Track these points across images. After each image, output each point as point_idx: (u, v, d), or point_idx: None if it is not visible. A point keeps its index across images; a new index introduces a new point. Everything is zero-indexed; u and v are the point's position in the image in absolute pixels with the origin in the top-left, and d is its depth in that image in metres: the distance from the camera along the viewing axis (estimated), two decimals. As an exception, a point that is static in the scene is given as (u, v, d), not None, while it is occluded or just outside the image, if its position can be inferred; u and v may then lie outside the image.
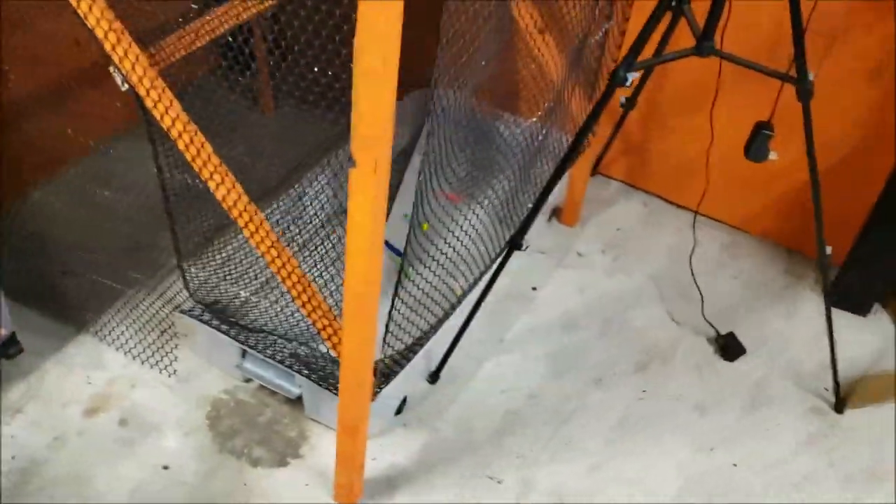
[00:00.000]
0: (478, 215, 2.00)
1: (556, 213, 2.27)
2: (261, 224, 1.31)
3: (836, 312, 2.06)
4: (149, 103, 1.26)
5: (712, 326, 1.99)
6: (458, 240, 1.86)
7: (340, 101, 1.73)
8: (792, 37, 1.47)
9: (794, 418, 1.83)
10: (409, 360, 1.58)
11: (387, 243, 2.05)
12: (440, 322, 1.66)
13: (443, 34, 1.18)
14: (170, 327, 1.78)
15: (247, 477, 1.63)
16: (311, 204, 2.04)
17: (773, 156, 1.63)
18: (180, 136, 1.27)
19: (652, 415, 1.82)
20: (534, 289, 2.09)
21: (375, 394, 1.48)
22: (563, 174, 1.65)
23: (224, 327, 1.67)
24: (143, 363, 1.78)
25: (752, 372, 1.92)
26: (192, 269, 1.66)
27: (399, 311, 1.43)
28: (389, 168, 1.10)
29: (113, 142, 1.85)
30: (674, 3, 1.71)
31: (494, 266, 1.77)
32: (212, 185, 1.30)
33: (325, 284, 1.66)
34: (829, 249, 1.69)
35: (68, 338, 1.83)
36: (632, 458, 1.73)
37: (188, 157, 1.28)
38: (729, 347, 1.95)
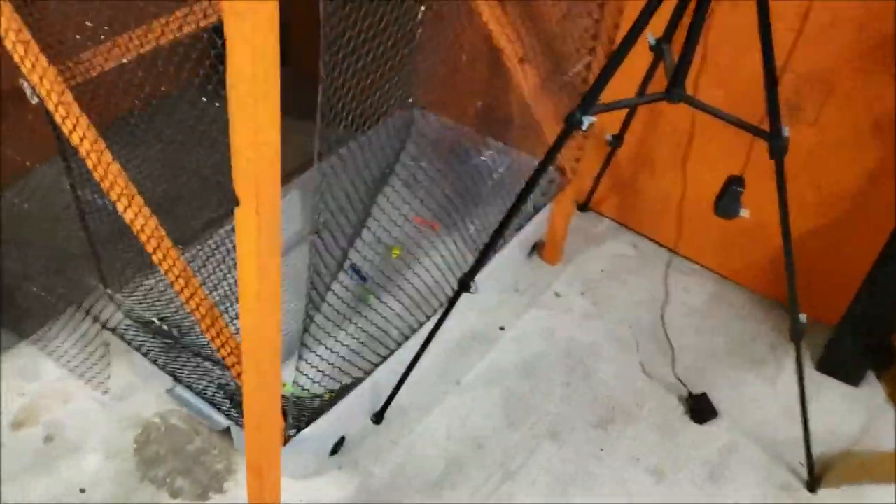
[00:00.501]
0: (456, 244, 1.92)
1: (537, 248, 2.16)
2: (168, 251, 1.24)
3: (825, 380, 1.93)
4: (57, 119, 1.20)
5: (683, 385, 1.87)
6: (426, 270, 1.79)
7: (335, 111, 1.66)
8: (764, 87, 1.35)
9: (760, 493, 1.70)
10: (333, 403, 1.50)
11: (353, 268, 1.98)
12: (374, 366, 1.57)
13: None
14: (106, 344, 1.73)
15: (164, 508, 1.56)
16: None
17: (744, 213, 1.50)
18: (88, 154, 1.20)
19: (605, 475, 1.70)
20: (501, 328, 1.98)
21: (289, 437, 1.40)
22: (518, 211, 1.55)
23: (154, 351, 1.61)
24: (78, 377, 1.73)
25: (720, 437, 1.79)
26: (118, 294, 1.60)
27: (309, 347, 1.34)
28: (278, 207, 1.02)
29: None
30: (653, 44, 1.62)
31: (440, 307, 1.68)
32: (120, 206, 1.23)
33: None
34: (804, 317, 1.56)
35: (9, 346, 1.78)
36: (576, 522, 1.62)
37: (97, 177, 1.22)
38: (699, 409, 1.82)
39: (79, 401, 1.71)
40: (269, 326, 1.13)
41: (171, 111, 1.62)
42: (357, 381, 1.55)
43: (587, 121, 1.40)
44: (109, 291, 1.59)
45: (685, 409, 1.84)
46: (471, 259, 1.84)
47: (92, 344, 1.75)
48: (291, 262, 1.77)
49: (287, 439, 1.38)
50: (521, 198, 1.50)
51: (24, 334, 1.80)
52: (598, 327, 2.01)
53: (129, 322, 1.67)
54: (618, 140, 1.98)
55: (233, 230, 1.00)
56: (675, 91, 1.45)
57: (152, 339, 1.65)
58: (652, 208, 2.19)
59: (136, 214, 1.23)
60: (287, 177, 2.00)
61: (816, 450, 1.72)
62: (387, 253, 2.00)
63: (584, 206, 2.30)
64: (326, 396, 1.54)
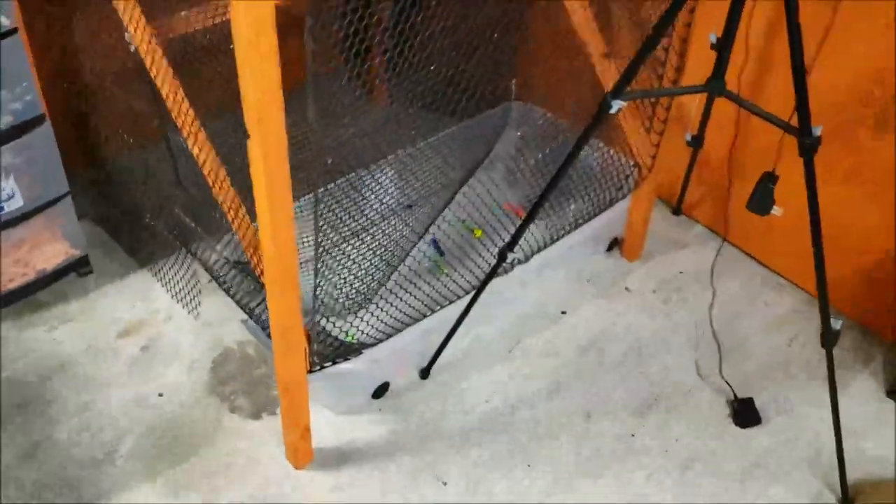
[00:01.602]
0: (534, 233, 2.01)
1: (617, 243, 2.21)
2: (224, 179, 1.46)
3: (889, 404, 1.85)
4: (147, 63, 1.45)
5: (729, 386, 1.86)
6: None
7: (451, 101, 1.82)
8: (793, 82, 1.36)
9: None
10: (365, 346, 1.65)
11: (434, 242, 2.13)
12: (413, 321, 1.72)
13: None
14: (206, 280, 2.00)
15: (223, 418, 1.78)
16: (372, 192, 2.15)
17: (776, 211, 1.51)
18: (167, 95, 1.45)
19: (628, 458, 1.74)
20: (563, 312, 2.06)
21: (316, 364, 1.57)
22: (556, 185, 1.61)
23: (234, 288, 1.85)
24: (178, 303, 2.01)
25: (759, 444, 1.77)
26: (214, 242, 1.85)
27: (336, 286, 1.51)
28: (283, 141, 1.19)
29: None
30: (714, 43, 1.65)
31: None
32: (189, 142, 1.47)
33: (371, 273, 1.79)
34: (838, 324, 1.53)
35: (132, 270, 2.10)
36: (587, 495, 1.67)
37: (173, 113, 1.46)
38: (742, 413, 1.81)
39: (176, 323, 1.98)
40: (283, 250, 1.31)
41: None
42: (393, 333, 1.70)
43: (616, 105, 1.47)
44: (207, 237, 1.86)
45: (730, 411, 1.83)
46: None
47: (192, 277, 2.01)
48: (387, 232, 1.95)
49: (314, 365, 1.55)
50: (559, 173, 1.58)
51: (144, 263, 2.10)
52: (661, 324, 2.03)
53: (220, 263, 1.92)
54: (697, 141, 2.00)
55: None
56: (713, 83, 1.49)
57: (236, 279, 1.89)
58: (742, 217, 2.17)
59: (200, 149, 1.46)
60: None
61: (872, 472, 1.67)
62: (469, 233, 2.13)
63: (676, 210, 2.32)
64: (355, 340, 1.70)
